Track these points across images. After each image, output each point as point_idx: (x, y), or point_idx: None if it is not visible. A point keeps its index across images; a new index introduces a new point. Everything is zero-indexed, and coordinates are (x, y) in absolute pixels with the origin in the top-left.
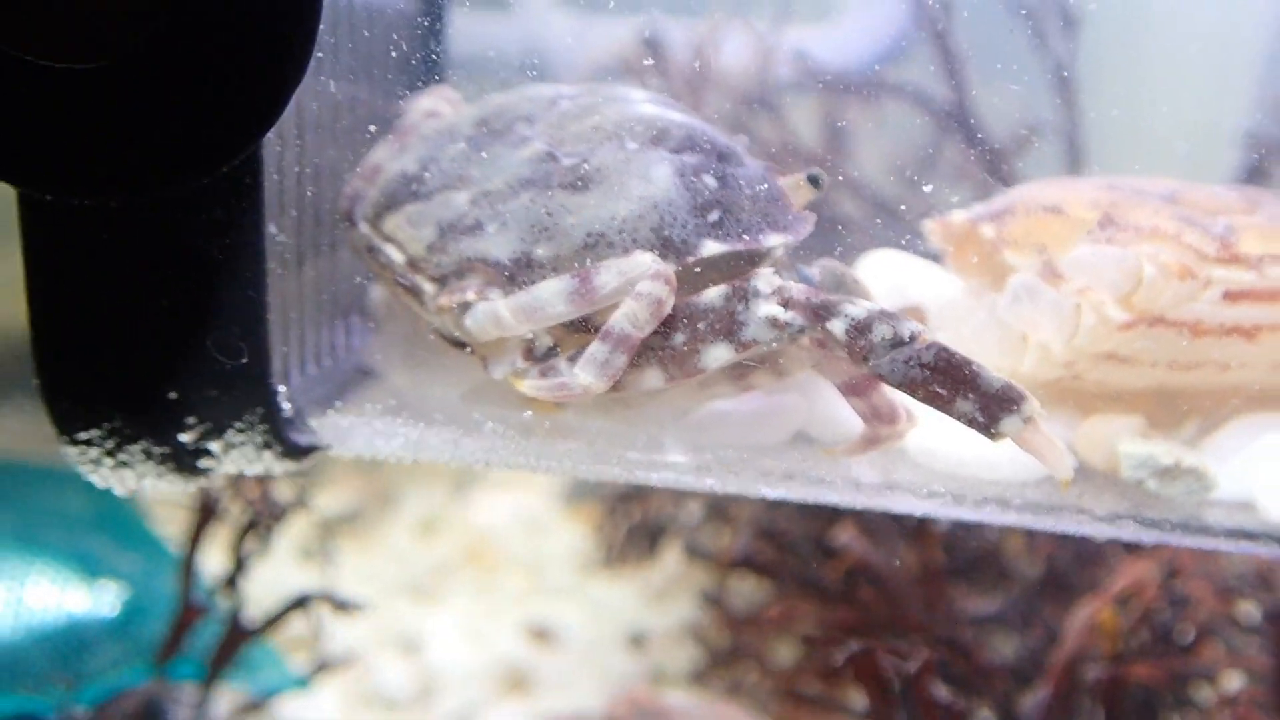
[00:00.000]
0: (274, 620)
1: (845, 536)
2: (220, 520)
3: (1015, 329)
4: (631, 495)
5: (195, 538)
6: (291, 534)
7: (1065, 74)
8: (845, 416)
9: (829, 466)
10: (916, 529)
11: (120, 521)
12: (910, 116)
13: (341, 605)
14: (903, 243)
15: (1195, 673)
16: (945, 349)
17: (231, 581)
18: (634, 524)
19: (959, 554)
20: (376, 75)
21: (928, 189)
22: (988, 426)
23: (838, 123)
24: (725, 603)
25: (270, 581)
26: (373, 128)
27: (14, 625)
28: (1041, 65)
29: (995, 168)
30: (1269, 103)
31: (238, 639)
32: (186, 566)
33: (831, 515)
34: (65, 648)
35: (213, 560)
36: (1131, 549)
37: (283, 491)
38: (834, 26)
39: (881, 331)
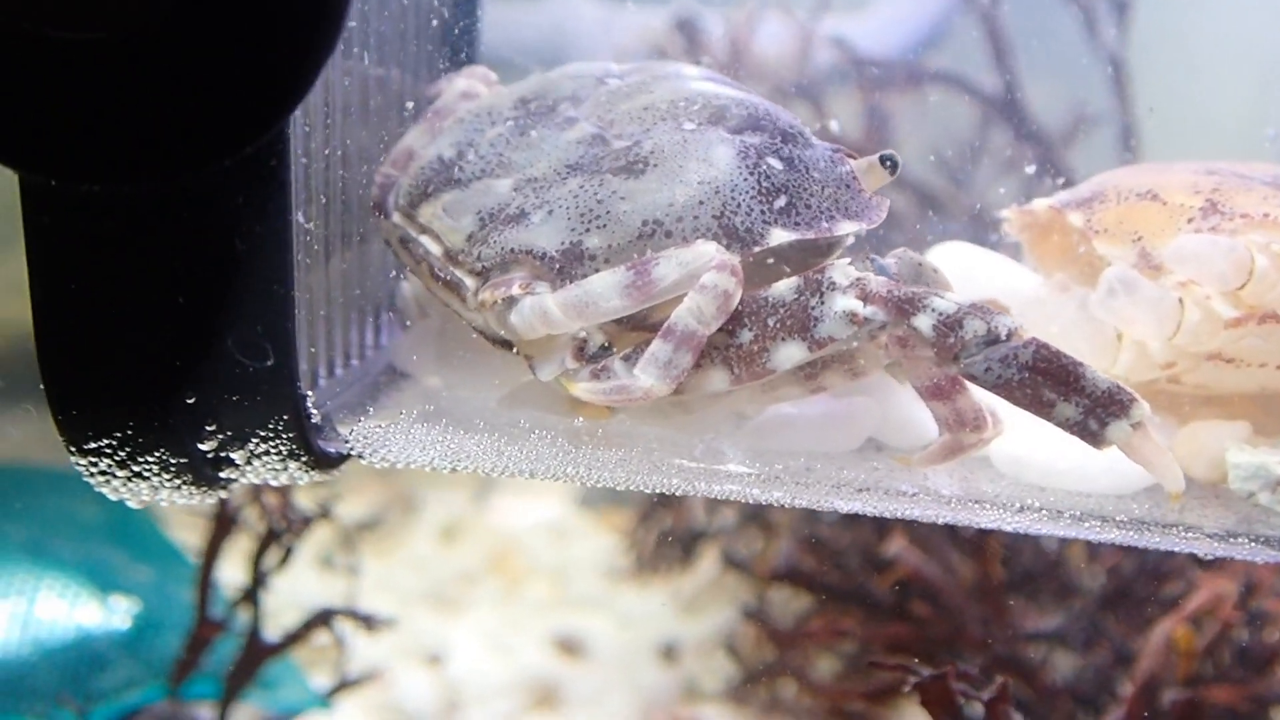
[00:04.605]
0: (295, 636)
1: (896, 547)
2: (239, 530)
3: (1109, 326)
4: (665, 500)
5: (213, 550)
6: (310, 541)
7: (1117, 62)
8: (920, 421)
9: (905, 477)
10: (974, 540)
11: (134, 530)
12: (953, 105)
13: (367, 621)
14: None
15: (1277, 696)
16: (1046, 346)
17: (251, 596)
18: (666, 530)
19: (1015, 566)
20: (408, 54)
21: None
22: (1093, 433)
23: (879, 111)
24: (766, 616)
25: (287, 592)
26: (410, 104)
27: (22, 641)
28: (1093, 53)
29: (1046, 158)
30: None
31: (257, 656)
32: (204, 580)
33: (880, 524)
34: (76, 665)
35: (230, 572)
36: (1205, 563)
37: (305, 501)
38: (872, 13)
39: (974, 328)
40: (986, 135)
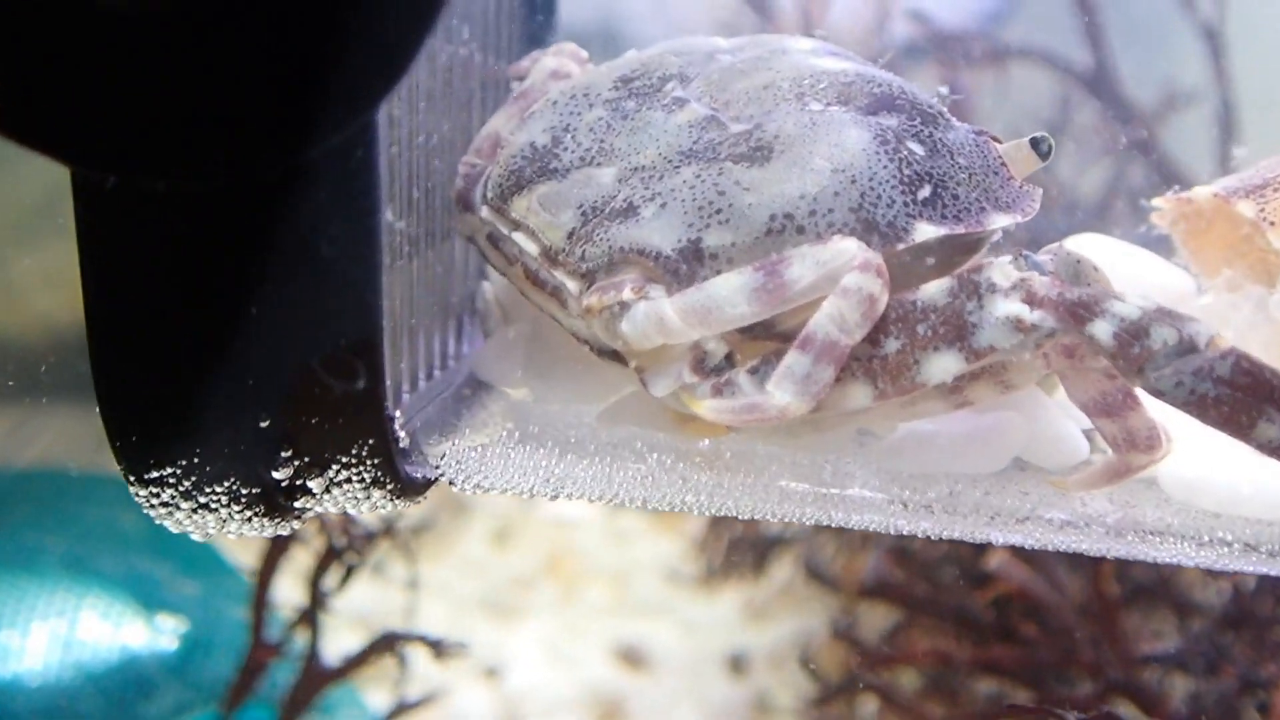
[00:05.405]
0: (355, 661)
1: (998, 560)
2: (296, 546)
3: None
4: None
5: (269, 568)
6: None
7: (1212, 34)
8: (1071, 437)
9: (1059, 503)
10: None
11: (178, 541)
12: (1037, 80)
13: (434, 646)
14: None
15: None
16: (1247, 358)
17: (309, 617)
18: (737, 537)
19: (1125, 581)
20: (493, 32)
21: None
22: None
23: (960, 87)
24: (855, 634)
25: (341, 601)
26: (516, 83)
27: (64, 664)
28: (1188, 24)
29: (1142, 138)
30: None
31: (316, 681)
32: (259, 601)
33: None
34: (122, 690)
35: (284, 590)
36: None
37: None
38: None
39: (1163, 336)
40: (1070, 113)
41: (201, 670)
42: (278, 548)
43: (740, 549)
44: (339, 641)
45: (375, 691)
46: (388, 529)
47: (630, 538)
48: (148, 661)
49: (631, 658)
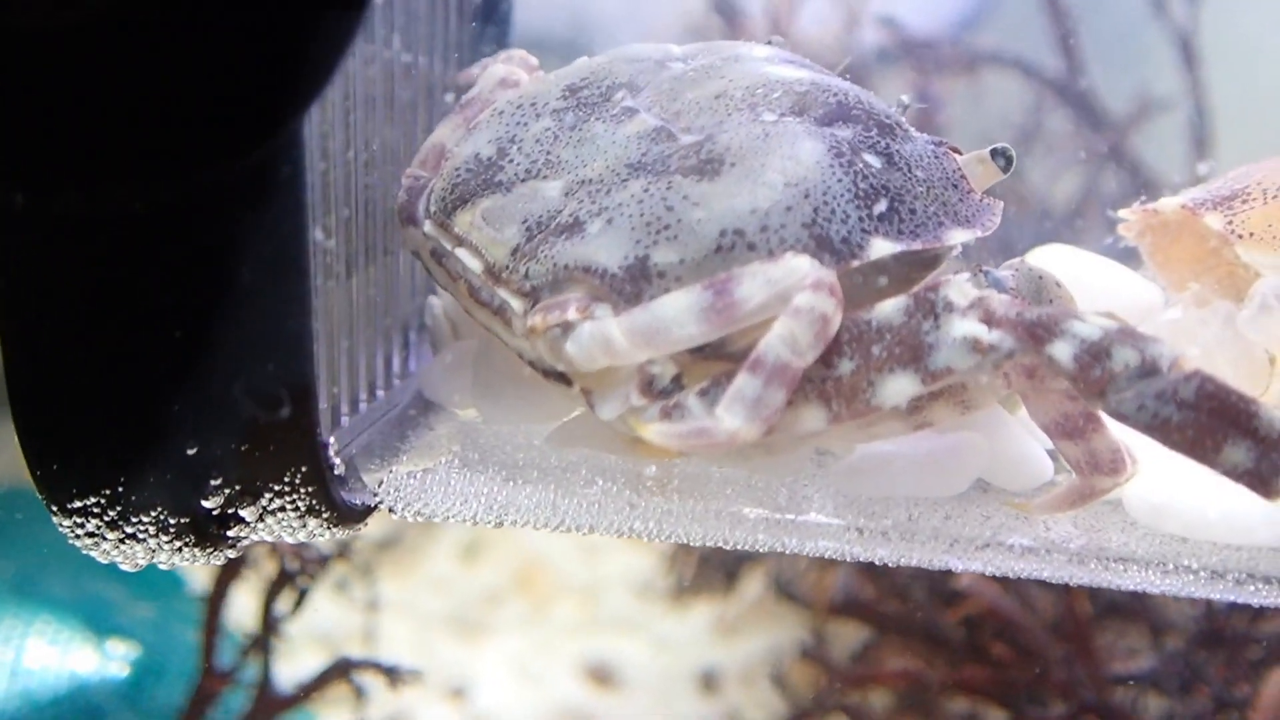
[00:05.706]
0: (310, 688)
1: (968, 579)
2: (249, 569)
3: (1258, 348)
4: None
5: (218, 595)
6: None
7: (1186, 41)
8: (1034, 458)
9: (1021, 528)
10: None
11: None
12: (1009, 87)
13: (390, 673)
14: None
15: None
16: (1211, 380)
17: (262, 644)
18: (708, 552)
19: (1098, 598)
20: (440, 36)
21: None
22: (1265, 481)
23: (930, 94)
24: (824, 653)
25: (300, 620)
26: (449, 96)
27: (10, 693)
28: (1162, 33)
29: (1114, 146)
30: None
31: (269, 708)
32: (210, 627)
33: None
34: (70, 718)
35: (238, 610)
36: None
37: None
38: None
39: (1125, 358)
40: (1043, 121)
41: (153, 697)
42: (229, 572)
43: (711, 564)
44: (302, 662)
45: (335, 714)
46: (343, 552)
47: (601, 552)
48: (97, 689)
49: (601, 675)
